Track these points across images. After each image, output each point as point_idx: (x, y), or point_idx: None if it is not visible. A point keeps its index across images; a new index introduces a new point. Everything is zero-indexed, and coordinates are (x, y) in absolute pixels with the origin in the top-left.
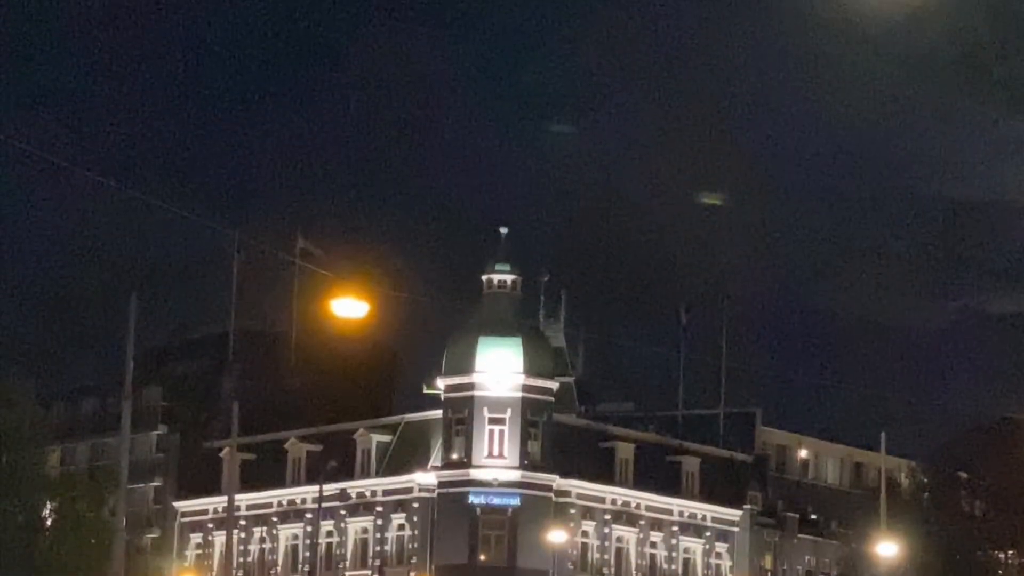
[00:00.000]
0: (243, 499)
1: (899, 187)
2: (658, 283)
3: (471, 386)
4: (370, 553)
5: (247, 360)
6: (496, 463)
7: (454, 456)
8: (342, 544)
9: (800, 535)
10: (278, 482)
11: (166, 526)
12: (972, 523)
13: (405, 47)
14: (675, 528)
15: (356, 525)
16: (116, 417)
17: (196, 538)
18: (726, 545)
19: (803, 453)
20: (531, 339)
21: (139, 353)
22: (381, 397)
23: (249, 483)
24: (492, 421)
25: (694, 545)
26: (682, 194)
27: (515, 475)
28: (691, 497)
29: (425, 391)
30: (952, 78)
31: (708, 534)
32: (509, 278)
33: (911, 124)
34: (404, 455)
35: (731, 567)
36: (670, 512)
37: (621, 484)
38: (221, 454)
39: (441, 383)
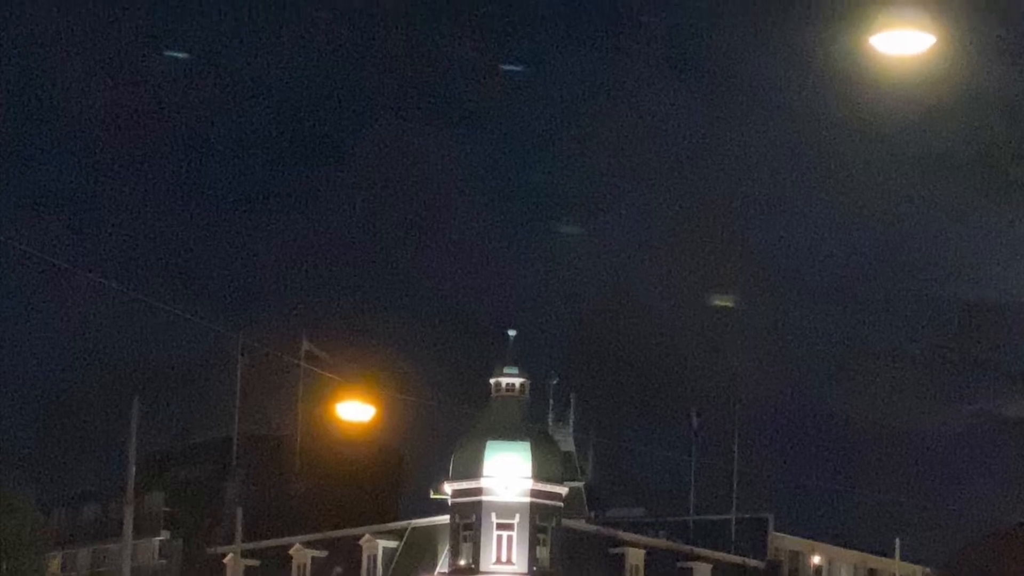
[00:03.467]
0: None
1: (913, 289)
2: (669, 386)
3: (479, 491)
4: None
5: (251, 465)
6: (504, 569)
7: (461, 562)
8: None
9: None
10: None
11: None
12: None
13: (411, 146)
14: None
15: None
16: (118, 523)
17: None
18: None
19: (816, 559)
20: (540, 443)
21: (141, 458)
22: (387, 502)
23: None
24: (500, 527)
25: None
26: (693, 296)
27: None
28: None
29: (432, 496)
30: (967, 178)
31: None
32: (517, 381)
33: (926, 225)
34: (411, 561)
35: None
36: None
37: None
38: (225, 560)
39: (448, 488)
